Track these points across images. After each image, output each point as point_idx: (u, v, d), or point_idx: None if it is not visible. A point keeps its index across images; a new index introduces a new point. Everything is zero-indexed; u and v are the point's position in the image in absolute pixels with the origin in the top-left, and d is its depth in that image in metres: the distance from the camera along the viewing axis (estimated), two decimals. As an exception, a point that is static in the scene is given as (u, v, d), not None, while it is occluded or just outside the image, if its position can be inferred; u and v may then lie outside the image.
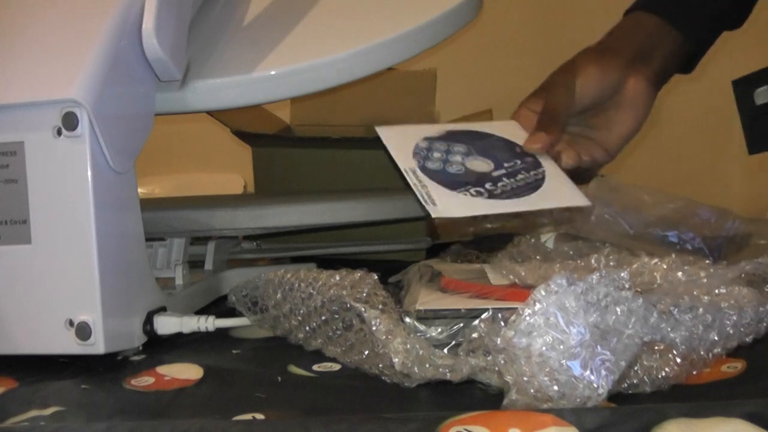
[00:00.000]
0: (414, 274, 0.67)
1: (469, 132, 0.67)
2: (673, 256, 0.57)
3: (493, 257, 0.70)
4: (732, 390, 0.47)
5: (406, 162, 0.62)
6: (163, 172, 1.56)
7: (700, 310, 0.49)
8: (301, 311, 0.58)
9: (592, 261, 0.59)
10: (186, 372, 0.55)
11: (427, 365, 0.48)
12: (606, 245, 0.67)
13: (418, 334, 0.52)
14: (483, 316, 0.48)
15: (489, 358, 0.47)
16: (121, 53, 0.57)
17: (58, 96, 0.54)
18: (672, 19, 0.72)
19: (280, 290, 0.60)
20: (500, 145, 0.66)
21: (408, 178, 0.60)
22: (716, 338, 0.49)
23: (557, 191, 0.63)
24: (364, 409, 0.47)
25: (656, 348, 0.47)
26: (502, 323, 0.45)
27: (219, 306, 0.71)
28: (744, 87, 0.69)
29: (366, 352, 0.52)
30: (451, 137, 0.66)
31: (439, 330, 0.52)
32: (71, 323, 0.55)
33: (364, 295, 0.55)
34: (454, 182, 0.60)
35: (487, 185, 0.61)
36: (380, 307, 0.54)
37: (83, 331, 0.54)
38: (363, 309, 0.53)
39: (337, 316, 0.55)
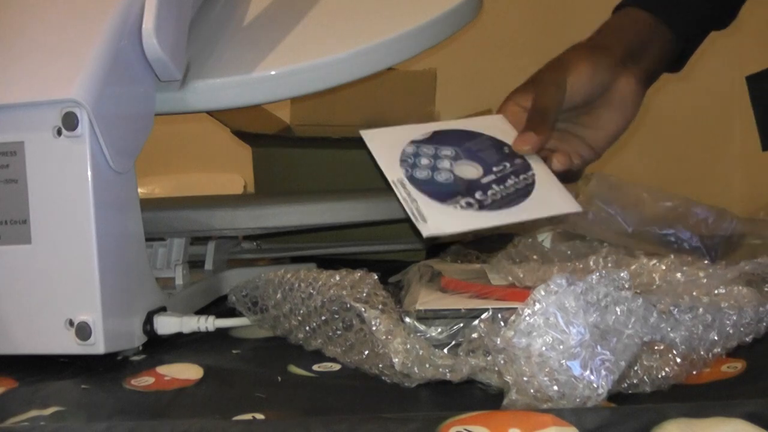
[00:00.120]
0: (414, 274, 0.67)
1: (456, 132, 0.66)
2: (672, 256, 0.57)
3: (493, 257, 0.70)
4: (732, 390, 0.47)
5: (393, 173, 0.61)
6: (163, 172, 1.56)
7: (700, 310, 0.49)
8: (301, 311, 0.58)
9: (591, 263, 0.59)
10: (186, 372, 0.55)
11: (427, 365, 0.48)
12: (604, 245, 0.67)
13: (418, 334, 0.52)
14: (483, 316, 0.48)
15: (489, 358, 0.47)
16: (121, 53, 0.57)
17: (58, 96, 0.54)
18: (663, 16, 0.72)
19: (280, 290, 0.60)
20: (488, 145, 0.65)
21: (397, 192, 0.59)
22: (716, 338, 0.49)
23: (548, 198, 0.63)
24: (364, 409, 0.47)
25: (656, 348, 0.47)
26: (502, 323, 0.46)
27: (219, 306, 0.71)
28: (759, 83, 0.69)
29: (366, 352, 0.52)
30: (438, 139, 0.65)
31: (439, 330, 0.52)
32: (71, 323, 0.55)
33: (364, 295, 0.55)
34: (444, 193, 0.60)
35: (477, 195, 0.60)
36: (380, 307, 0.54)
37: (83, 331, 0.54)
38: (363, 309, 0.53)
39: (337, 316, 0.55)
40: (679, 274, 0.54)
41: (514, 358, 0.43)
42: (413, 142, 0.64)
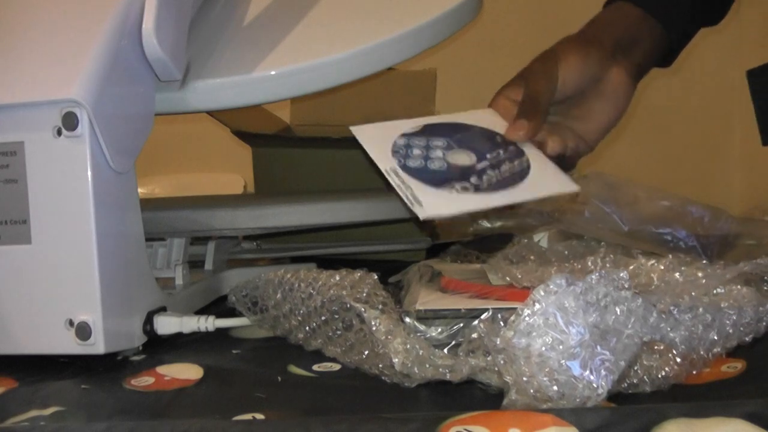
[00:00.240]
0: (414, 274, 0.67)
1: (447, 125, 0.66)
2: (670, 257, 0.57)
3: (493, 257, 0.70)
4: (732, 390, 0.47)
5: (386, 162, 0.60)
6: (163, 172, 1.56)
7: (700, 309, 0.48)
8: (301, 311, 0.58)
9: (589, 263, 0.59)
10: (186, 372, 0.55)
11: (427, 365, 0.48)
12: (601, 244, 0.67)
13: (418, 334, 0.52)
14: (483, 316, 0.48)
15: (489, 358, 0.47)
16: (121, 53, 0.57)
17: (58, 96, 0.54)
18: (652, 12, 0.72)
19: (280, 290, 0.60)
20: (480, 135, 0.65)
21: (390, 180, 0.59)
22: (716, 338, 0.49)
23: (545, 179, 0.62)
24: (364, 409, 0.47)
25: (656, 348, 0.47)
26: (502, 323, 0.45)
27: (219, 306, 0.71)
28: (760, 77, 0.69)
29: (366, 352, 0.52)
30: (428, 132, 0.64)
31: (439, 330, 0.52)
32: (71, 323, 0.55)
33: (364, 295, 0.55)
34: (438, 179, 0.59)
35: (473, 179, 0.60)
36: (380, 307, 0.54)
37: (83, 331, 0.54)
38: (363, 309, 0.53)
39: (337, 316, 0.56)
40: (677, 274, 0.54)
41: (513, 358, 0.43)
42: (404, 134, 0.63)
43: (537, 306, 0.43)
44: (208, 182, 1.56)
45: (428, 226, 0.96)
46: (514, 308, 0.44)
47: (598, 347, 0.43)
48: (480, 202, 0.59)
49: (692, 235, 0.72)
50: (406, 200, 0.57)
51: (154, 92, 0.62)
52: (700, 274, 0.54)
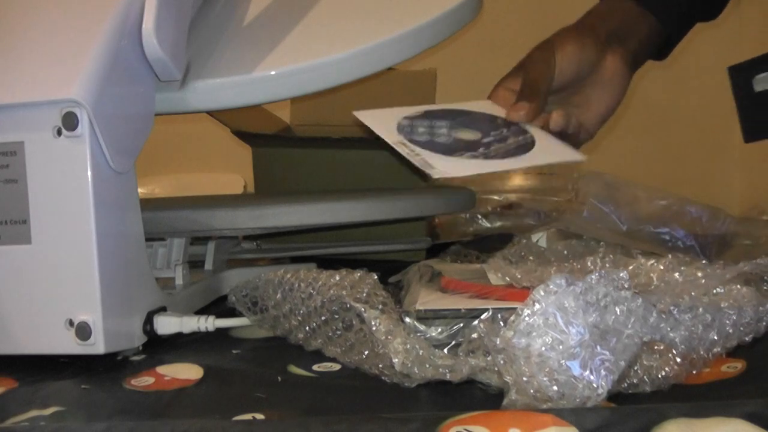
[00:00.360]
0: (414, 274, 0.67)
1: (448, 110, 0.67)
2: (670, 257, 0.57)
3: (493, 257, 0.70)
4: (732, 390, 0.47)
5: (394, 137, 0.61)
6: (163, 172, 1.56)
7: (700, 309, 0.49)
8: (301, 311, 0.58)
9: (588, 263, 0.59)
10: (186, 372, 0.55)
11: (427, 365, 0.48)
12: (600, 244, 0.67)
13: (418, 334, 0.52)
14: (483, 316, 0.48)
15: (489, 358, 0.47)
16: (121, 53, 0.57)
17: (58, 96, 0.54)
18: (647, 5, 0.73)
19: (280, 290, 0.60)
20: (482, 118, 0.66)
21: (400, 150, 0.59)
22: (716, 338, 0.49)
23: (551, 149, 0.63)
24: (364, 409, 0.47)
25: (656, 348, 0.47)
26: (502, 323, 0.45)
27: (219, 306, 0.71)
28: (741, 73, 0.69)
29: (366, 352, 0.52)
30: (430, 116, 0.65)
31: (439, 330, 0.52)
32: (71, 323, 0.55)
33: (364, 295, 0.55)
34: (447, 149, 0.60)
35: (480, 149, 0.60)
36: (380, 307, 0.54)
37: (83, 331, 0.54)
38: (363, 309, 0.53)
39: (337, 316, 0.56)
40: (677, 274, 0.54)
41: (513, 358, 0.43)
42: (407, 117, 0.64)
43: (537, 306, 0.43)
44: (208, 182, 1.56)
45: (429, 226, 0.96)
46: (514, 308, 0.44)
47: (598, 347, 0.43)
48: (489, 167, 0.60)
49: (690, 235, 0.72)
50: (418, 165, 0.58)
51: (154, 92, 0.62)
52: (699, 274, 0.54)
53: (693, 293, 0.51)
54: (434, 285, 0.62)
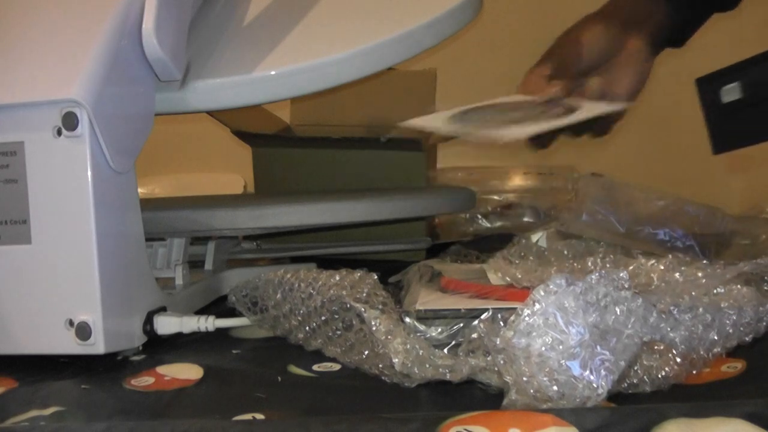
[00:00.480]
0: (414, 274, 0.67)
1: (485, 105, 0.69)
2: (670, 256, 0.57)
3: (493, 257, 0.70)
4: (732, 390, 0.47)
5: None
6: (163, 172, 1.56)
7: (700, 309, 0.49)
8: (301, 311, 0.58)
9: (588, 263, 0.59)
10: (186, 372, 0.55)
11: (427, 365, 0.48)
12: (600, 244, 0.67)
13: (418, 334, 0.52)
14: (483, 316, 0.48)
15: (489, 358, 0.47)
16: (121, 53, 0.57)
17: (58, 96, 0.54)
18: None
19: (280, 290, 0.60)
20: (521, 104, 0.69)
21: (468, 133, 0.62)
22: (716, 338, 0.49)
23: (594, 106, 0.66)
24: (364, 409, 0.47)
25: (656, 348, 0.47)
26: (502, 323, 0.45)
27: (219, 306, 0.71)
28: (709, 85, 0.70)
29: (366, 352, 0.52)
30: (472, 112, 0.68)
31: (439, 330, 0.52)
32: (71, 323, 0.55)
33: (364, 295, 0.55)
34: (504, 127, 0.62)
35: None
36: (380, 307, 0.54)
37: (83, 331, 0.54)
38: (363, 309, 0.53)
39: (337, 316, 0.56)
40: (677, 274, 0.55)
41: (513, 358, 0.43)
42: (452, 117, 0.67)
43: (537, 306, 0.43)
44: (208, 182, 1.56)
45: (429, 226, 0.96)
46: (514, 308, 0.44)
47: (598, 347, 0.43)
48: (550, 125, 0.63)
49: (689, 235, 0.72)
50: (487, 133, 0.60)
51: (154, 92, 0.62)
52: (699, 274, 0.54)
53: (693, 293, 0.51)
54: (434, 285, 0.62)
